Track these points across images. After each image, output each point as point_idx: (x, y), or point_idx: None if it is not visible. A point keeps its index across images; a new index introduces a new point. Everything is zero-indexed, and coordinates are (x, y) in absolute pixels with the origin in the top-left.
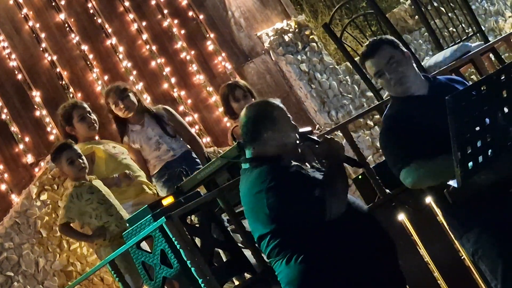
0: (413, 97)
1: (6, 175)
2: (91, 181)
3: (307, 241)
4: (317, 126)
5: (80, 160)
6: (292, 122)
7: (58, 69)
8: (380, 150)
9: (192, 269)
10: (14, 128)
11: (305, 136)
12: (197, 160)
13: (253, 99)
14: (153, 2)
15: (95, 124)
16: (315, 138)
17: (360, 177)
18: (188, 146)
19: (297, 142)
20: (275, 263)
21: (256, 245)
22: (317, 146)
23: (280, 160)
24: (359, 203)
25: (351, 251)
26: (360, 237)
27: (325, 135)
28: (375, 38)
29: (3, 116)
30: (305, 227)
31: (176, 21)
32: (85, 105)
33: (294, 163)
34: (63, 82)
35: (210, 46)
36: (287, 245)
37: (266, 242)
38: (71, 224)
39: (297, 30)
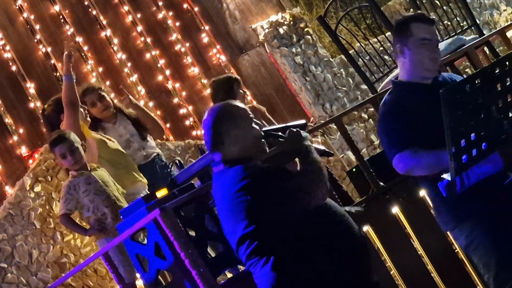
0: (418, 84)
1: (0, 167)
2: (92, 170)
3: (285, 243)
4: (311, 119)
5: (72, 156)
6: (255, 120)
7: (52, 61)
8: (375, 143)
9: (186, 261)
10: (8, 120)
11: (268, 133)
12: (170, 164)
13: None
14: None
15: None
16: (279, 133)
17: (354, 169)
18: (158, 149)
19: (262, 139)
20: (254, 266)
21: (234, 247)
22: (282, 140)
23: (251, 161)
24: (338, 208)
25: (326, 257)
26: (335, 243)
27: (290, 129)
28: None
29: None
30: (285, 225)
31: (171, 13)
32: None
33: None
34: (58, 74)
35: (204, 38)
36: (264, 248)
37: (246, 245)
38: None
39: (292, 22)
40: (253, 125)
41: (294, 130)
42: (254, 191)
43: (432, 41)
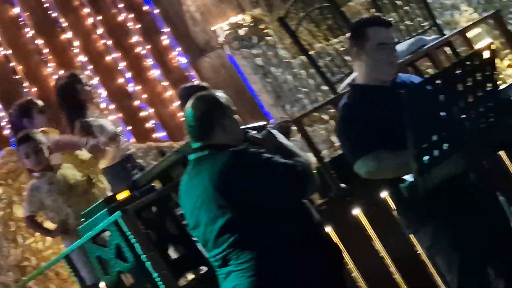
0: (376, 87)
1: None
2: (57, 170)
3: (267, 238)
4: (271, 120)
5: (35, 156)
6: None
7: (12, 64)
8: (335, 145)
9: (147, 263)
10: None
11: (244, 130)
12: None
13: None
14: None
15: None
16: (254, 133)
17: (315, 171)
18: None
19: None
20: (233, 255)
21: (213, 234)
22: (260, 138)
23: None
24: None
25: (306, 256)
26: (314, 243)
27: (267, 128)
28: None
29: None
30: (269, 219)
31: (131, 15)
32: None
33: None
34: (18, 77)
35: (165, 40)
36: (246, 241)
37: (228, 236)
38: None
39: (252, 24)
40: (236, 116)
41: (270, 130)
42: (245, 177)
43: (389, 45)
